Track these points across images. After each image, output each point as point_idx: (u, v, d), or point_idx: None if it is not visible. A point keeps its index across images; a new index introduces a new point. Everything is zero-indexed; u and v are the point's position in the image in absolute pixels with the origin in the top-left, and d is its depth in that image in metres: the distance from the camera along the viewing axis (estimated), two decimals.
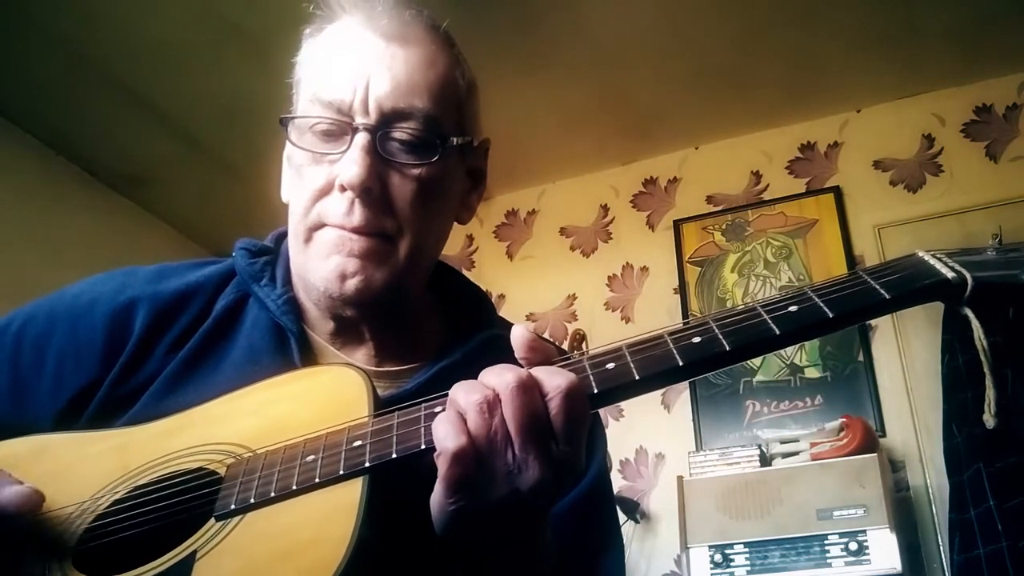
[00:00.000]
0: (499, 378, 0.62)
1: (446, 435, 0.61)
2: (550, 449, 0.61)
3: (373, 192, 0.79)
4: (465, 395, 0.62)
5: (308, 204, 0.81)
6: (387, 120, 0.80)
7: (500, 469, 0.61)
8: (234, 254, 0.93)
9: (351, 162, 0.78)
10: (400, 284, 0.83)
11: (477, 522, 0.63)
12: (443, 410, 0.66)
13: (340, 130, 0.80)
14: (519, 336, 0.66)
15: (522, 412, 0.61)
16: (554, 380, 0.62)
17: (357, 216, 0.79)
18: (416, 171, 0.81)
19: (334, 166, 0.80)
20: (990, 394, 0.59)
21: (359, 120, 0.79)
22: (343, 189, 0.79)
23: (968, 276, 0.61)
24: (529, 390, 0.61)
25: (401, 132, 0.80)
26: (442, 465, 0.61)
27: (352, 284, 0.80)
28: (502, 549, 0.67)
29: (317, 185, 0.81)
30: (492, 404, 0.61)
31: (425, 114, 0.81)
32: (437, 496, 0.63)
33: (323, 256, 0.81)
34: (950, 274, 0.62)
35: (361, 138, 0.79)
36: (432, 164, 0.81)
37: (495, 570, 0.68)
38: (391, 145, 0.80)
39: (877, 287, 0.63)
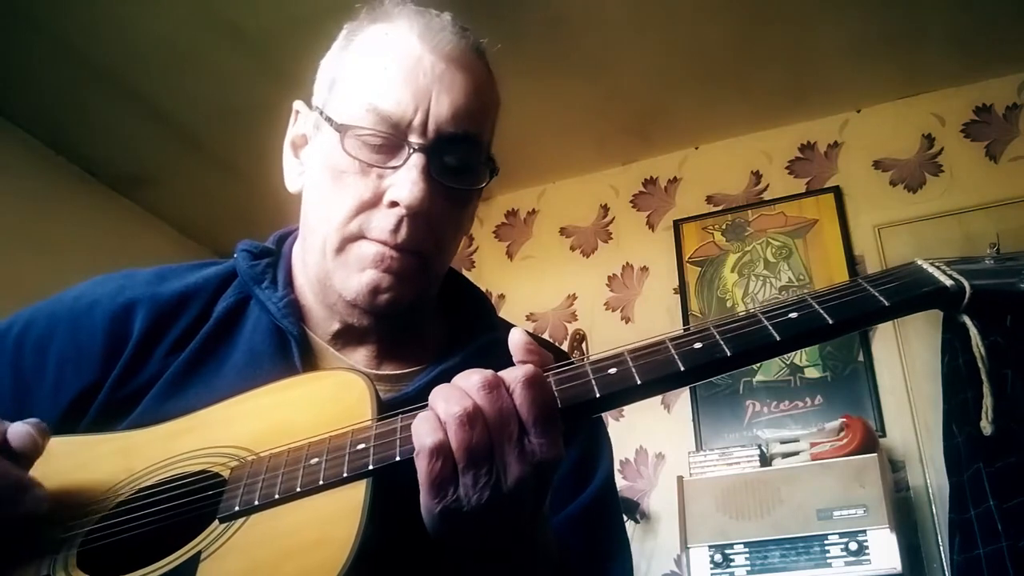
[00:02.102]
0: (467, 381, 0.63)
1: (423, 432, 0.62)
2: (524, 444, 0.62)
3: (424, 214, 0.79)
4: (444, 404, 0.63)
5: (349, 214, 0.81)
6: (442, 142, 0.80)
7: (481, 473, 0.62)
8: (235, 255, 0.92)
9: (410, 183, 0.78)
10: (422, 298, 0.85)
11: (466, 524, 0.63)
12: None
13: (392, 144, 0.80)
14: (516, 340, 0.67)
15: (491, 410, 0.62)
16: (513, 373, 0.63)
17: (403, 235, 0.79)
18: (460, 195, 0.83)
19: (383, 180, 0.80)
20: (987, 401, 0.60)
21: (415, 139, 0.79)
22: (393, 205, 0.79)
23: (966, 284, 0.61)
24: (494, 387, 0.62)
25: (452, 156, 0.81)
26: (420, 463, 0.62)
27: (384, 299, 0.81)
28: (498, 551, 0.67)
29: (363, 197, 0.80)
30: (472, 417, 0.62)
31: (475, 140, 0.83)
32: (422, 498, 0.64)
33: (357, 268, 0.81)
34: (948, 282, 0.63)
35: (419, 159, 0.79)
36: (478, 190, 0.84)
37: (491, 573, 0.68)
38: (442, 168, 0.81)
39: (876, 295, 0.64)
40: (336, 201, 0.82)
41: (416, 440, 0.62)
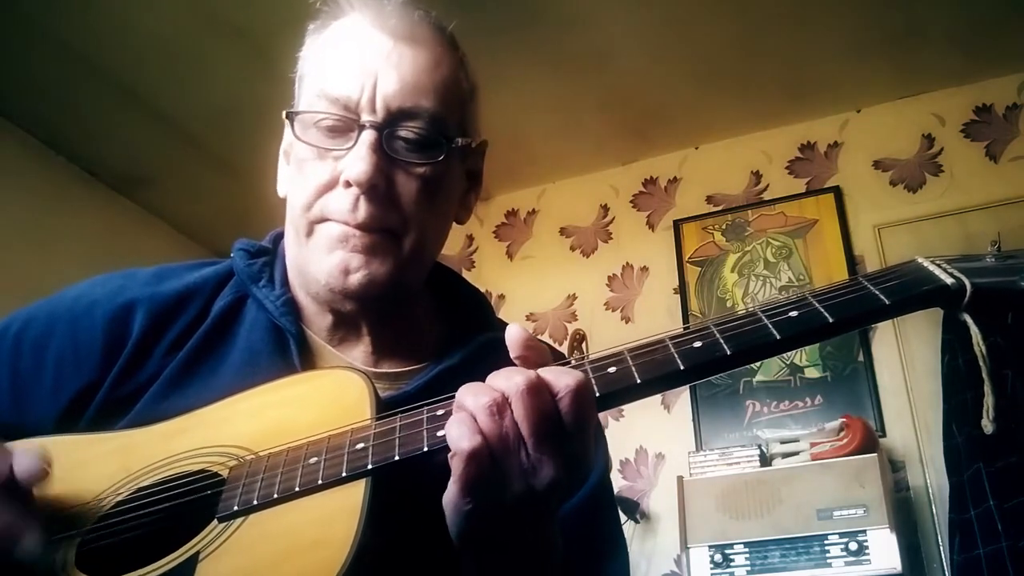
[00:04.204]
0: (508, 381, 0.62)
1: (460, 435, 0.61)
2: (563, 447, 0.62)
3: (379, 189, 0.79)
4: (473, 398, 0.63)
5: (311, 198, 0.82)
6: (393, 119, 0.80)
7: (515, 469, 0.62)
8: (232, 255, 0.93)
9: (358, 159, 0.78)
10: (402, 279, 0.84)
11: (492, 522, 0.63)
12: (445, 413, 0.67)
13: (346, 126, 0.81)
14: (514, 335, 0.67)
15: (534, 413, 0.61)
16: (563, 380, 0.62)
17: (362, 213, 0.79)
18: (420, 169, 0.82)
19: (339, 162, 0.80)
20: (988, 400, 0.59)
21: (365, 118, 0.80)
22: (348, 185, 0.79)
23: (967, 282, 0.61)
24: (540, 391, 0.62)
25: (407, 131, 0.81)
26: (457, 465, 0.61)
27: (355, 279, 0.80)
28: (514, 548, 0.67)
29: (321, 180, 0.81)
30: (501, 406, 0.61)
31: (431, 114, 0.82)
32: (452, 497, 0.63)
33: (326, 250, 0.81)
34: (949, 280, 0.63)
35: (368, 135, 0.79)
36: (437, 163, 0.82)
37: (506, 570, 0.68)
38: (397, 143, 0.81)
39: (877, 293, 0.64)
40: (300, 189, 0.83)
41: (452, 443, 0.62)
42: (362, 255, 0.80)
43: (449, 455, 0.62)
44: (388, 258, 0.81)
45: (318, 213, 0.81)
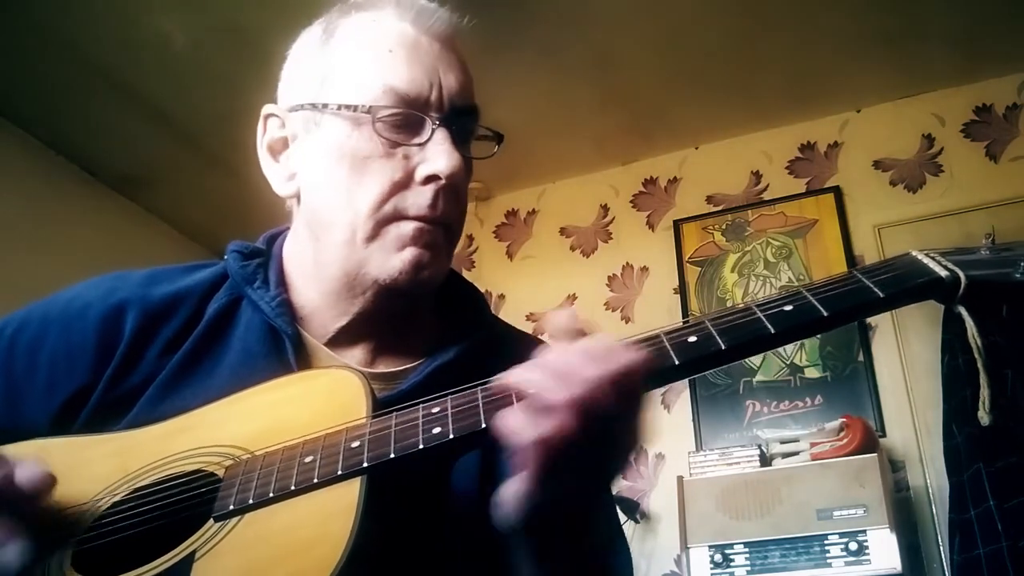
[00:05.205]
0: (578, 352, 0.62)
1: (525, 425, 0.61)
2: (638, 409, 0.63)
3: (456, 185, 0.81)
4: (549, 366, 0.62)
5: (381, 197, 0.80)
6: (457, 114, 0.82)
7: (594, 430, 0.61)
8: (226, 256, 0.92)
9: (446, 154, 0.79)
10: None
11: (563, 499, 0.63)
12: (440, 410, 0.67)
13: (414, 123, 0.81)
14: (564, 317, 0.66)
15: (610, 379, 0.61)
16: (628, 353, 0.63)
17: (440, 208, 0.80)
18: (471, 164, 0.86)
19: (411, 159, 0.81)
20: (984, 392, 0.59)
21: (435, 114, 0.81)
22: (427, 181, 0.80)
23: (962, 275, 0.61)
24: (612, 356, 0.61)
25: (463, 128, 0.84)
26: (524, 457, 0.61)
27: (426, 274, 0.81)
28: (571, 530, 0.67)
29: (395, 178, 0.80)
30: (576, 370, 0.61)
31: (477, 110, 0.86)
32: (523, 487, 0.62)
33: (394, 248, 0.81)
34: (944, 273, 0.63)
35: (445, 132, 0.81)
36: (486, 158, 0.86)
37: (564, 553, 0.68)
38: (458, 139, 0.83)
39: (871, 286, 0.64)
40: (362, 189, 0.81)
41: (518, 436, 0.61)
42: (430, 251, 0.81)
43: (518, 446, 0.61)
44: (446, 251, 0.84)
45: (390, 211, 0.80)
